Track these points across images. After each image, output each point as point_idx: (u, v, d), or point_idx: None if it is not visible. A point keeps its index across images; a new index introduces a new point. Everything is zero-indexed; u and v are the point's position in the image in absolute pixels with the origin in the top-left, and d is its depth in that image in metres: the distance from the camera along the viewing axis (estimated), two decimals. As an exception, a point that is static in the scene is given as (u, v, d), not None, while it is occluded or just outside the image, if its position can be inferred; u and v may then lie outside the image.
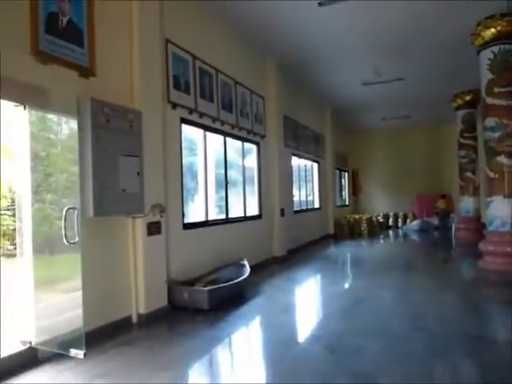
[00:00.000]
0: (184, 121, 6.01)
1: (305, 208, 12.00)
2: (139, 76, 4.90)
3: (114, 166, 4.31)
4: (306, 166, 12.29)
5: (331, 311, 5.18)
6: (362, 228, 14.43)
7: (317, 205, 13.17)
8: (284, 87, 9.85)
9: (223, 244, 6.88)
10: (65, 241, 3.41)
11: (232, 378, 3.41)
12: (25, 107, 3.65)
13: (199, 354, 3.86)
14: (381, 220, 16.69)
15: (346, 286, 6.89)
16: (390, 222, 17.52)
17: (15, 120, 3.69)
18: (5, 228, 12.05)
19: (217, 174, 7.34)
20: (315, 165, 13.11)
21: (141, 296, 4.76)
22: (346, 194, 18.19)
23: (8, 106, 3.58)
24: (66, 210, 3.44)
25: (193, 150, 6.77)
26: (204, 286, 5.27)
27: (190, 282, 5.47)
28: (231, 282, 5.57)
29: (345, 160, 17.69)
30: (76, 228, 3.45)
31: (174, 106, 5.71)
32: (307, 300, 6.09)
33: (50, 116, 3.95)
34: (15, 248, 12.07)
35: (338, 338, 4.08)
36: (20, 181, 3.78)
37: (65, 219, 3.42)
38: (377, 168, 18.96)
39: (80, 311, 3.43)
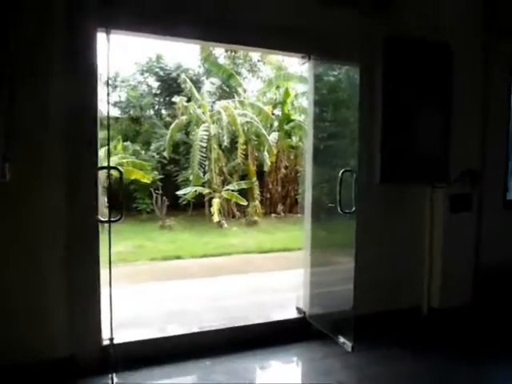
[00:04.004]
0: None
1: None
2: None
3: (411, 119, 3.42)
4: None
5: None
6: None
7: None
8: None
9: None
10: (338, 209, 2.88)
11: None
12: (309, 58, 3.29)
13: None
14: None
15: None
16: None
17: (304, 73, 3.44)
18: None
19: None
20: None
21: (435, 286, 3.75)
22: None
23: (293, 58, 3.36)
24: (342, 173, 2.87)
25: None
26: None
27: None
28: None
29: None
30: (353, 195, 2.84)
31: (500, 34, 4.05)
32: None
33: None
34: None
35: None
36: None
37: (340, 184, 2.87)
38: None
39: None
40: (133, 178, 10.02)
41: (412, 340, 3.34)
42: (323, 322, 3.17)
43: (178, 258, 7.32)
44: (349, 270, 2.86)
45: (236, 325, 3.23)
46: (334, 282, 3.38)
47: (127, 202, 11.18)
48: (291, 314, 3.45)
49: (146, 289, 4.89)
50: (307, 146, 3.46)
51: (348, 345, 2.80)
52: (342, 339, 2.88)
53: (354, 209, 2.82)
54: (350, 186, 2.93)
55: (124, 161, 10.00)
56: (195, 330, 3.14)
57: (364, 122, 3.17)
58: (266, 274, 5.72)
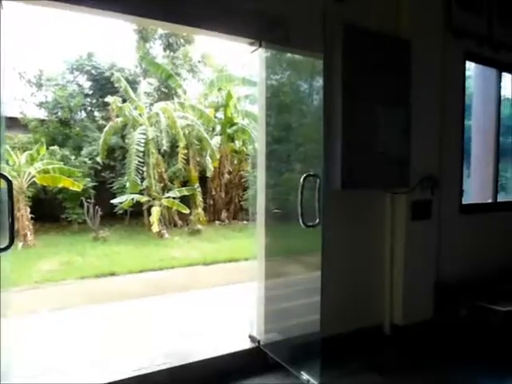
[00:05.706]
0: (470, 56, 4.14)
1: None
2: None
3: (371, 118, 3.09)
4: None
5: None
6: None
7: None
8: None
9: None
10: (300, 222, 2.43)
11: None
12: (260, 44, 2.84)
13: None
14: None
15: None
16: None
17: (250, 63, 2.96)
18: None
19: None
20: None
21: (398, 301, 3.45)
22: None
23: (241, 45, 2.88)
24: (304, 179, 2.43)
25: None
26: (495, 302, 3.49)
27: (472, 292, 3.77)
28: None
29: None
30: (317, 205, 2.41)
31: (458, 34, 3.90)
32: None
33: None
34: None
35: None
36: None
37: (301, 192, 2.42)
38: None
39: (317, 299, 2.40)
40: (60, 185, 8.98)
41: (378, 364, 2.98)
42: (281, 351, 2.71)
43: (113, 274, 6.52)
44: (310, 287, 2.43)
45: (174, 364, 2.66)
46: (290, 300, 2.94)
47: (55, 212, 10.06)
48: (243, 344, 2.94)
49: (67, 316, 4.10)
50: (259, 148, 2.99)
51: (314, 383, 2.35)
52: (305, 376, 2.43)
53: (317, 221, 2.38)
54: (310, 193, 2.51)
55: (50, 167, 8.93)
56: (121, 376, 2.51)
57: (323, 121, 2.77)
58: (211, 290, 5.15)
